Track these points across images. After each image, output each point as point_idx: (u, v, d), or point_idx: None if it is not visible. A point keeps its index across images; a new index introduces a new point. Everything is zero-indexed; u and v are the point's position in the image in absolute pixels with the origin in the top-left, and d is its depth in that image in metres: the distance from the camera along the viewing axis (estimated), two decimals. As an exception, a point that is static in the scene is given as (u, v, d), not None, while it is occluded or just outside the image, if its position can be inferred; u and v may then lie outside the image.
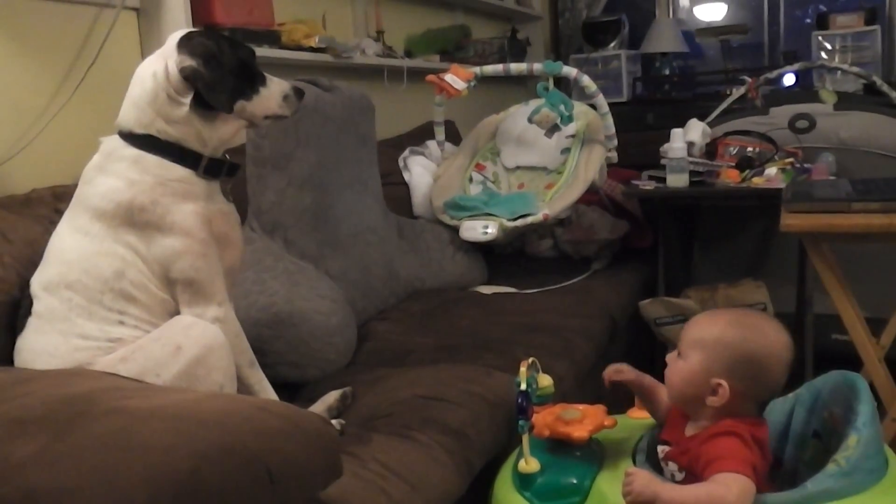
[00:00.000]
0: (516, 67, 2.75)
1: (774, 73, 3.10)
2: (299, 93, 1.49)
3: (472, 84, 2.64)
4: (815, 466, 1.20)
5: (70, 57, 1.89)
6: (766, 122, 2.68)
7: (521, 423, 1.31)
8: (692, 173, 2.44)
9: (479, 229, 2.49)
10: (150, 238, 1.34)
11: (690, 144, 2.51)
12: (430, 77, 2.63)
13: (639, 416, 1.45)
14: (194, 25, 2.00)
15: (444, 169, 2.83)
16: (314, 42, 2.47)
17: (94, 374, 1.21)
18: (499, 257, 2.79)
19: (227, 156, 1.47)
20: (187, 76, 1.34)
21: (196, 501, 0.85)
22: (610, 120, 2.64)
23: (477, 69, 2.69)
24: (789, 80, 3.46)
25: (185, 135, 1.37)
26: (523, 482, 1.32)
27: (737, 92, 2.99)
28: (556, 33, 4.69)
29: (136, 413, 0.95)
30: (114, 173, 1.35)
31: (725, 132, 2.65)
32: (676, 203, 2.62)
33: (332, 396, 1.59)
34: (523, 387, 1.32)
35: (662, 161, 2.49)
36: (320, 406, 1.56)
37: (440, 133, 2.93)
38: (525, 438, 1.31)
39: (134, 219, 1.33)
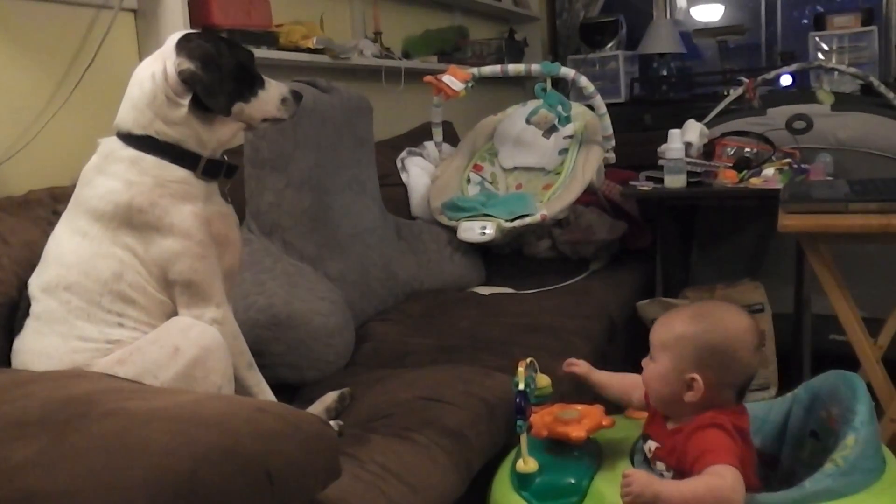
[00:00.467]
0: (514, 68, 2.75)
1: (772, 74, 3.10)
2: (297, 96, 1.49)
3: (470, 85, 2.64)
4: (813, 466, 1.20)
5: (67, 58, 1.89)
6: (764, 122, 2.68)
7: (519, 423, 1.31)
8: (690, 174, 2.45)
9: (477, 230, 2.49)
10: (149, 239, 1.34)
11: (688, 145, 2.51)
12: (428, 78, 2.64)
13: (637, 416, 1.46)
14: (192, 26, 1.99)
15: (442, 170, 2.84)
16: (312, 43, 2.47)
17: (93, 376, 1.21)
18: (497, 258, 2.79)
19: (226, 157, 1.47)
20: (185, 79, 1.34)
21: (195, 503, 0.85)
22: (608, 121, 2.64)
23: (475, 70, 2.69)
24: (786, 80, 3.46)
25: (183, 136, 1.37)
26: (521, 482, 1.32)
27: (734, 93, 3.00)
28: (553, 34, 4.70)
29: (135, 415, 0.95)
30: (112, 174, 1.35)
31: (723, 133, 2.65)
32: (674, 204, 2.62)
33: (330, 397, 1.59)
34: (521, 387, 1.32)
35: (660, 162, 2.49)
36: (319, 407, 1.56)
37: (438, 134, 2.93)
38: (523, 438, 1.31)
39: (132, 220, 1.33)
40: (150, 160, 1.35)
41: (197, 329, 1.34)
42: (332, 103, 2.18)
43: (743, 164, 2.46)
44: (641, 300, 2.50)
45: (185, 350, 1.30)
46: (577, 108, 2.76)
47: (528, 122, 2.65)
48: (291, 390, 1.75)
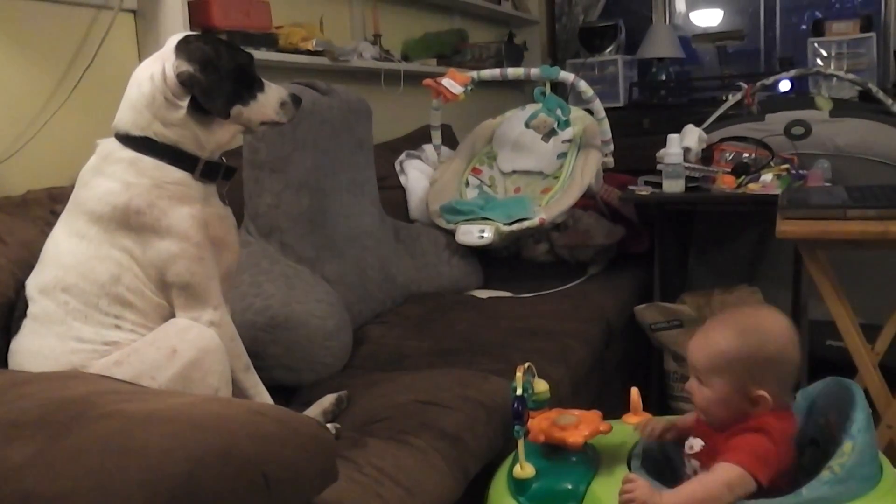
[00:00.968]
0: (513, 72, 2.75)
1: (770, 80, 3.10)
2: (296, 100, 1.49)
3: (469, 88, 2.65)
4: (813, 473, 1.20)
5: (67, 58, 1.89)
6: (762, 128, 2.68)
7: (516, 427, 1.31)
8: (688, 179, 2.45)
9: (476, 233, 2.49)
10: (147, 241, 1.34)
11: (686, 150, 2.51)
12: (427, 81, 2.64)
13: (634, 422, 1.45)
14: (192, 28, 2.00)
15: (441, 173, 2.84)
16: (311, 45, 2.47)
17: (91, 378, 1.21)
18: (495, 261, 2.79)
19: (224, 159, 1.47)
20: (184, 81, 1.34)
21: (192, 506, 0.85)
22: (606, 125, 2.65)
23: (474, 73, 2.69)
24: (785, 86, 3.47)
25: (182, 137, 1.37)
26: (518, 487, 1.32)
27: (733, 98, 3.00)
28: (552, 38, 4.70)
29: (133, 417, 0.95)
30: (110, 176, 1.34)
31: (721, 138, 2.65)
32: (672, 208, 2.62)
33: (327, 400, 1.59)
34: (519, 392, 1.32)
35: (659, 166, 2.49)
36: (315, 410, 1.56)
37: (437, 137, 2.93)
38: (520, 443, 1.31)
39: (130, 222, 1.33)
40: (148, 161, 1.35)
41: (194, 331, 1.34)
42: (332, 105, 2.18)
43: (741, 170, 2.46)
44: (639, 305, 2.50)
45: (183, 352, 1.30)
46: (576, 113, 2.76)
47: (527, 125, 2.65)
48: (288, 393, 1.74)
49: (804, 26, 4.38)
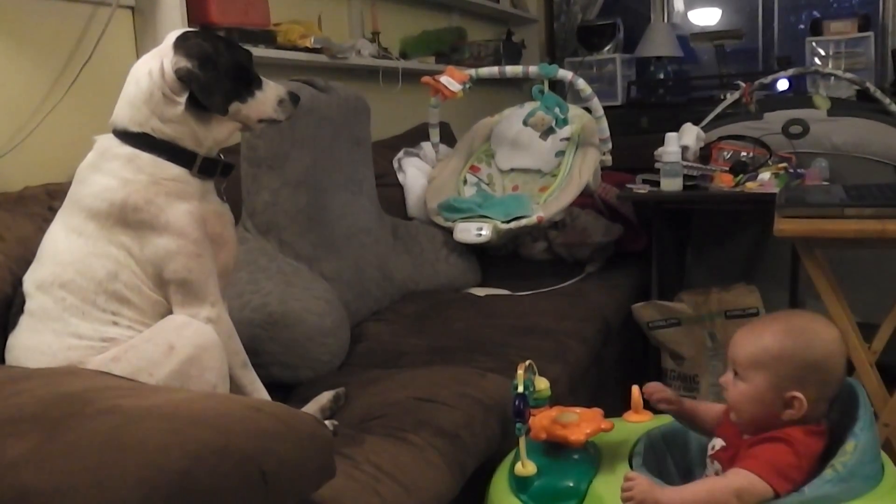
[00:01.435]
0: (512, 70, 2.75)
1: (769, 79, 3.10)
2: (295, 98, 1.48)
3: (468, 86, 2.64)
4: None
5: (65, 54, 1.88)
6: (760, 126, 2.68)
7: (518, 425, 1.30)
8: (686, 177, 2.45)
9: (473, 231, 2.49)
10: (144, 238, 1.33)
11: (685, 148, 2.51)
12: (426, 78, 2.63)
13: (635, 420, 1.45)
14: (190, 25, 1.99)
15: (439, 170, 2.83)
16: (310, 42, 2.47)
17: (88, 373, 1.20)
18: (492, 259, 2.79)
19: (222, 155, 1.46)
20: (182, 77, 1.33)
21: (189, 501, 0.85)
22: (605, 123, 2.65)
23: (472, 71, 2.69)
24: (783, 85, 3.47)
25: (180, 134, 1.37)
26: (520, 485, 1.31)
27: (731, 97, 3.00)
28: (551, 36, 4.70)
29: (130, 412, 0.95)
30: (108, 172, 1.34)
31: (719, 137, 2.65)
32: (670, 207, 2.62)
33: (324, 397, 1.59)
34: (521, 389, 1.31)
35: (657, 165, 2.49)
36: (313, 406, 1.56)
37: (435, 135, 2.93)
38: (522, 441, 1.31)
39: (128, 218, 1.33)
40: (145, 158, 1.35)
41: (192, 327, 1.34)
42: (330, 103, 2.18)
43: (739, 168, 2.46)
44: (636, 303, 2.50)
45: (180, 348, 1.30)
46: (575, 111, 2.76)
47: (525, 123, 2.65)
48: (286, 390, 1.74)
49: (802, 26, 4.39)
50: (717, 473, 1.27)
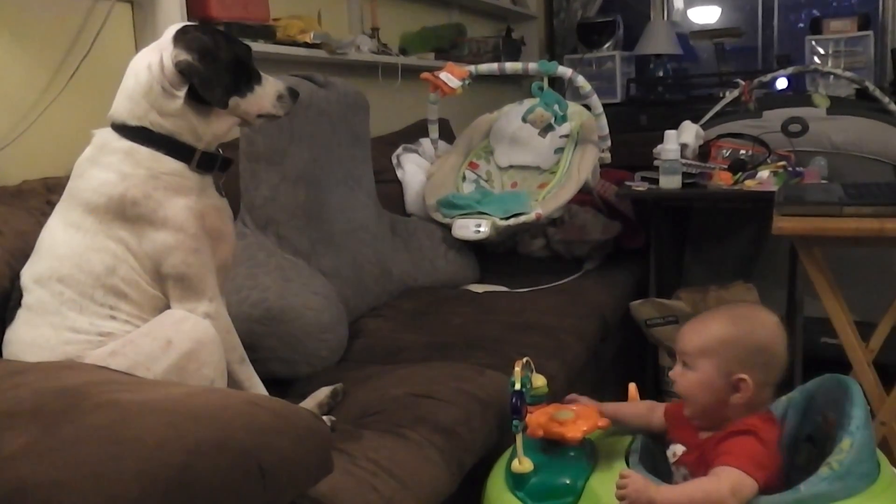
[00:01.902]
0: (511, 67, 2.75)
1: (768, 77, 3.10)
2: (294, 93, 1.48)
3: (467, 82, 2.64)
4: (809, 471, 1.20)
5: (63, 48, 1.88)
6: (759, 125, 2.69)
7: (515, 422, 1.31)
8: (685, 175, 2.45)
9: (472, 228, 2.49)
10: (142, 232, 1.33)
11: (684, 146, 2.51)
12: (425, 75, 2.63)
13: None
14: (189, 19, 1.99)
15: (438, 167, 2.83)
16: (309, 38, 2.46)
17: (86, 367, 1.20)
18: (491, 256, 2.79)
19: (221, 150, 1.46)
20: (182, 70, 1.33)
21: (187, 496, 0.85)
22: (604, 120, 2.65)
23: (472, 68, 2.69)
24: (782, 83, 3.48)
25: (178, 128, 1.36)
26: (516, 482, 1.32)
27: (730, 95, 3.00)
28: (550, 33, 4.70)
29: (128, 407, 0.95)
30: (106, 166, 1.34)
31: (718, 134, 2.65)
32: (669, 204, 2.62)
33: (322, 393, 1.59)
34: (518, 386, 1.32)
35: (655, 162, 2.49)
36: (311, 402, 1.56)
37: (434, 131, 2.93)
38: (519, 438, 1.31)
39: (126, 213, 1.32)
40: (144, 152, 1.34)
41: (190, 322, 1.34)
42: (329, 98, 2.18)
43: (738, 167, 2.46)
44: (634, 300, 2.50)
45: (178, 343, 1.30)
46: (574, 108, 2.76)
47: (524, 120, 2.65)
48: (284, 385, 1.74)
49: (802, 24, 4.38)
50: (684, 479, 1.27)
